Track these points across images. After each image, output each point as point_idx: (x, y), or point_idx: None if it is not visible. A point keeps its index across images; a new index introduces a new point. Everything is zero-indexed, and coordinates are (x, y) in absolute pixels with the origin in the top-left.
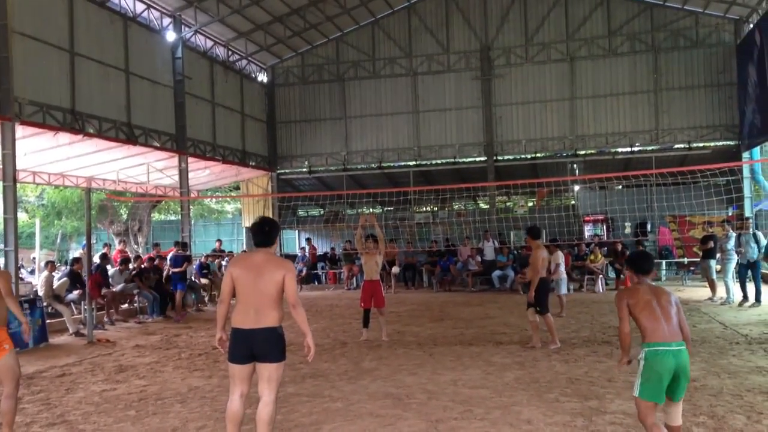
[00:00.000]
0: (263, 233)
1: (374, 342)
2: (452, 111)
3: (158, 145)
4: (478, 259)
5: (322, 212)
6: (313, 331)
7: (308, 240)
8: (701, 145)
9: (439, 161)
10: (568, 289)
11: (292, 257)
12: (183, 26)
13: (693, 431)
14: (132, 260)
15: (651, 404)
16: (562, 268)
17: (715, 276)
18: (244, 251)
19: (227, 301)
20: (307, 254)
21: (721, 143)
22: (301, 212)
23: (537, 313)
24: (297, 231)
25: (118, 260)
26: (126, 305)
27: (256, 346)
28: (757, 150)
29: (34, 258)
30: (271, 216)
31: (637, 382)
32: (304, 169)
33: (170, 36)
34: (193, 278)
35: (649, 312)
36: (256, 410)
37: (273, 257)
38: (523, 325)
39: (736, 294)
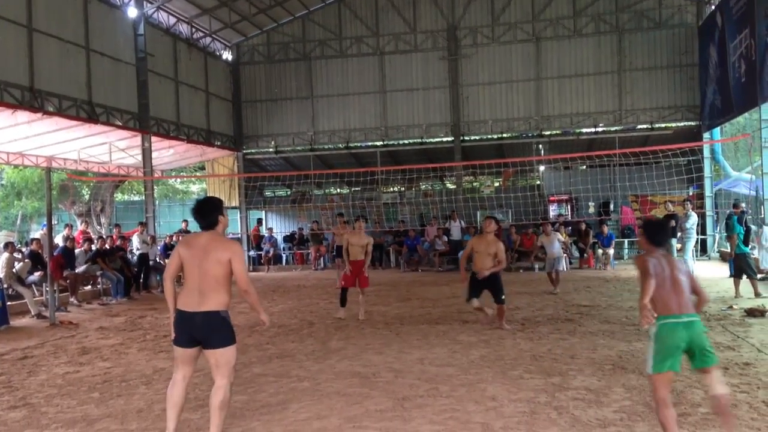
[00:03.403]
0: (202, 215)
1: (349, 321)
2: (419, 91)
3: (120, 123)
4: (445, 239)
5: (289, 192)
6: (279, 311)
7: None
8: (663, 125)
9: (406, 141)
10: (534, 268)
11: (260, 238)
12: (145, 2)
13: (653, 405)
14: (95, 241)
15: (665, 377)
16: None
17: (675, 254)
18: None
19: (171, 278)
20: (274, 235)
21: (682, 124)
22: (268, 192)
23: (498, 302)
24: (264, 211)
25: (81, 241)
26: (89, 287)
27: (197, 330)
28: (717, 130)
29: None
30: (237, 196)
31: (648, 358)
32: (271, 149)
33: (132, 12)
34: (157, 259)
35: (660, 284)
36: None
37: (219, 238)
38: (489, 304)
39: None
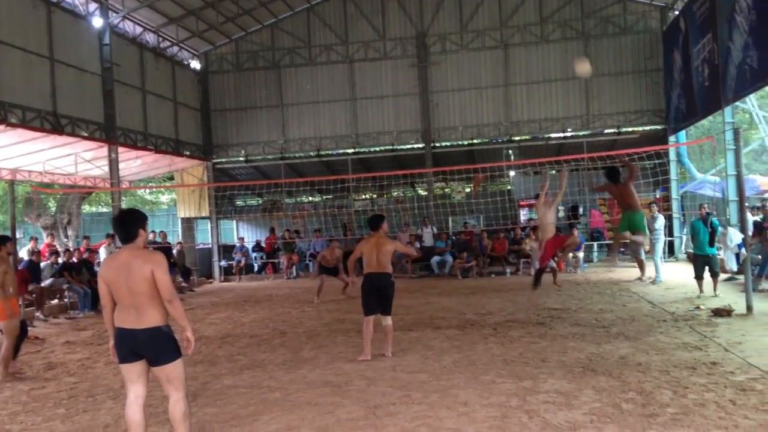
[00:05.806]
0: (122, 227)
1: (320, 329)
2: (389, 98)
3: (86, 134)
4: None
5: (260, 201)
6: (251, 321)
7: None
8: (630, 129)
9: (377, 148)
10: (506, 273)
11: (230, 248)
12: (110, 12)
13: (622, 407)
14: (61, 254)
15: None
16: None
17: (644, 256)
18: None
19: (109, 306)
20: (245, 245)
21: (648, 127)
22: (238, 202)
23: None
24: (235, 221)
25: (47, 254)
26: (56, 301)
27: (141, 347)
28: (682, 134)
29: None
30: (207, 206)
31: None
32: (241, 158)
33: (96, 22)
34: None
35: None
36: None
37: (139, 252)
38: (461, 309)
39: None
